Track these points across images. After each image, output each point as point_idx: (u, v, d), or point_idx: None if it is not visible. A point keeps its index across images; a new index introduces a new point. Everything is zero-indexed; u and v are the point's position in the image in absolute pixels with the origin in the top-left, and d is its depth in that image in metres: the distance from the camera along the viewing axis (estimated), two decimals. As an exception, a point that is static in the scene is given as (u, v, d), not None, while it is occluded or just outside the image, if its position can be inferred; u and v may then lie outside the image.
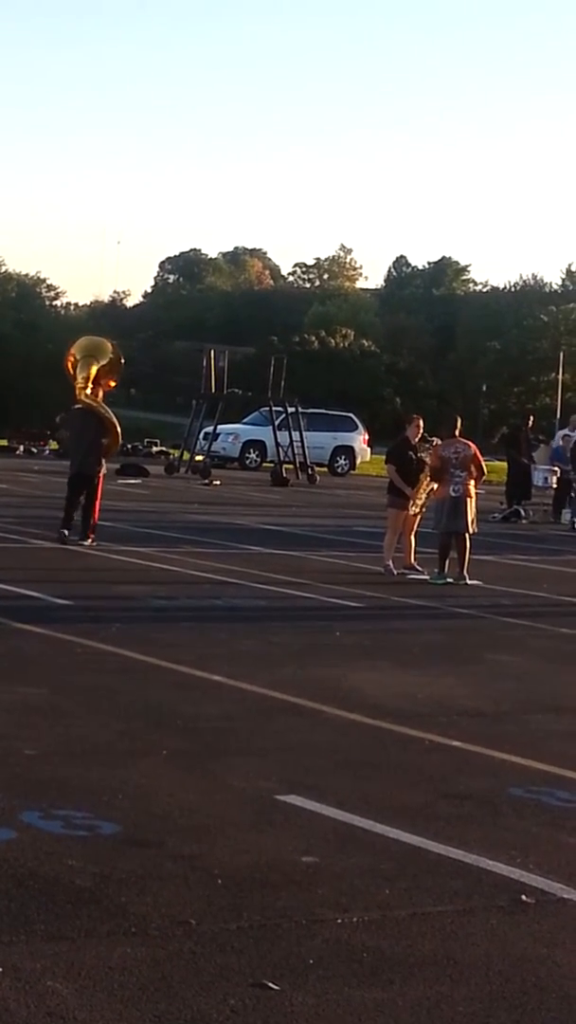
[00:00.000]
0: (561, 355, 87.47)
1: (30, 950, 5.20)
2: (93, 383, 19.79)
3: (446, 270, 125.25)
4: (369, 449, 50.38)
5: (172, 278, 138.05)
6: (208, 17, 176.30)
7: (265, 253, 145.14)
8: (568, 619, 15.28)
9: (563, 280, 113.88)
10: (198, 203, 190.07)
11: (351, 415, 51.68)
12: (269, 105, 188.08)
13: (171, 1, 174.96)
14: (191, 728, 8.92)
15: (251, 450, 48.00)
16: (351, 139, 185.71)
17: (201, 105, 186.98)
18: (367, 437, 50.44)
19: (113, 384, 20.55)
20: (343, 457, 49.47)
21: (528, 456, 31.11)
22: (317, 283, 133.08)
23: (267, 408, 45.35)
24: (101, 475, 19.73)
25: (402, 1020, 4.86)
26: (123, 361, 20.91)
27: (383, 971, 5.23)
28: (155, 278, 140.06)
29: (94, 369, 19.85)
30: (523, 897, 6.16)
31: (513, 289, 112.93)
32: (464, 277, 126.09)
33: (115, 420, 19.97)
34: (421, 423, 18.73)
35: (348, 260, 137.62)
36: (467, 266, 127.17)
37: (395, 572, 18.03)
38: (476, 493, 18.20)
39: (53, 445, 50.42)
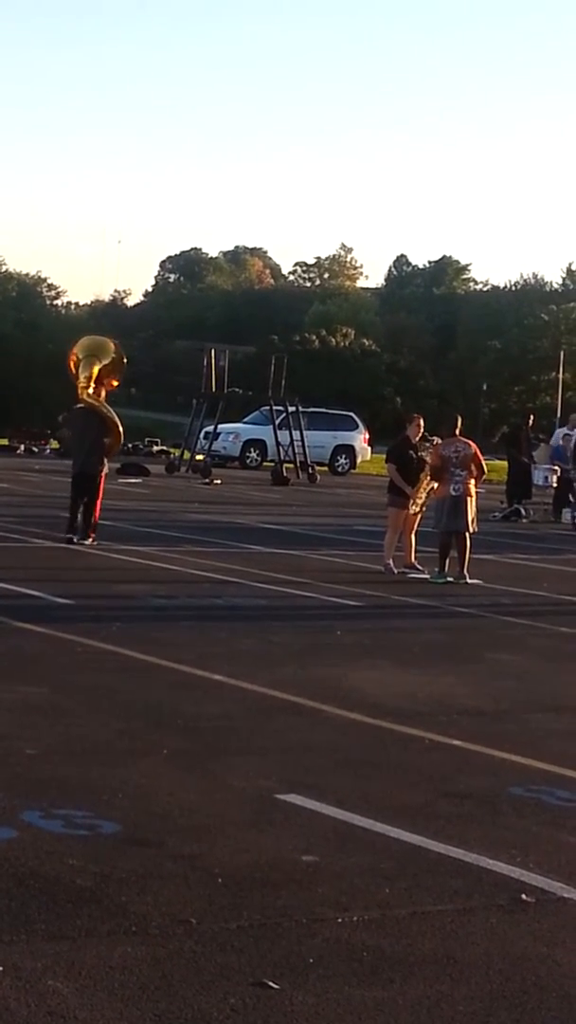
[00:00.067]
0: (562, 354, 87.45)
1: (31, 949, 5.20)
2: (95, 382, 19.80)
3: (447, 269, 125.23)
4: (369, 448, 50.39)
5: (173, 277, 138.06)
6: (208, 17, 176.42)
7: (266, 252, 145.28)
8: (568, 618, 15.28)
9: (563, 279, 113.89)
10: (199, 202, 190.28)
11: (351, 414, 51.70)
12: (269, 105, 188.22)
13: (171, 1, 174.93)
14: (191, 727, 8.93)
15: (252, 449, 48.02)
16: (351, 138, 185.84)
17: (201, 105, 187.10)
18: (367, 436, 50.47)
19: (115, 383, 20.56)
20: (343, 456, 49.50)
21: (528, 455, 31.12)
22: (317, 282, 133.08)
23: (268, 407, 45.36)
24: (103, 474, 19.75)
25: (402, 1019, 4.86)
26: (125, 361, 20.92)
27: (383, 970, 5.24)
28: (156, 277, 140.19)
29: (96, 368, 19.86)
30: (523, 896, 6.16)
31: (514, 288, 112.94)
32: (465, 276, 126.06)
33: (117, 419, 19.98)
34: (422, 422, 18.75)
35: (348, 259, 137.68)
36: (467, 265, 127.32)
37: (395, 571, 18.04)
38: (476, 492, 18.21)
39: (54, 444, 50.46)
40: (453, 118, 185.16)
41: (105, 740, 8.46)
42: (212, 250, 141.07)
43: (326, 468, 47.49)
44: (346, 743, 8.85)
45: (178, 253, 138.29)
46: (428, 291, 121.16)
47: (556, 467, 30.85)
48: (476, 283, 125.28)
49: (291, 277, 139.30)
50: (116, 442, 20.24)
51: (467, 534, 17.69)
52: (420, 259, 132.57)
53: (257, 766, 8.03)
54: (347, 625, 13.76)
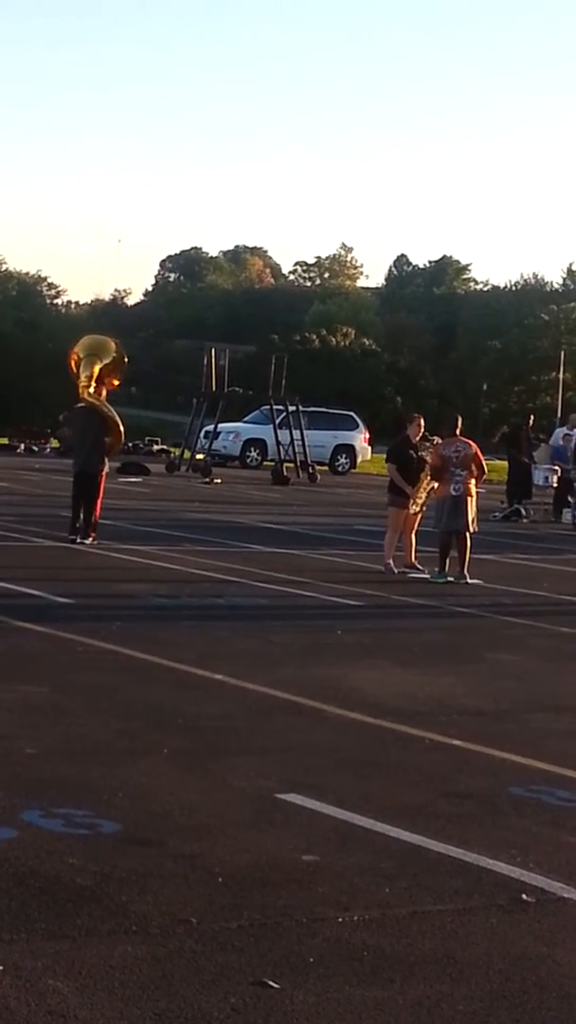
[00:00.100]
0: (562, 354, 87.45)
1: (31, 949, 5.21)
2: (96, 382, 19.81)
3: (447, 269, 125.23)
4: (370, 448, 50.40)
5: (173, 277, 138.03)
6: (208, 17, 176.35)
7: (266, 252, 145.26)
8: (568, 618, 15.28)
9: (564, 279, 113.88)
10: (199, 202, 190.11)
11: (352, 414, 51.71)
12: (270, 104, 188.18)
13: (171, 1, 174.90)
14: (192, 727, 8.93)
15: (252, 449, 48.02)
16: (352, 138, 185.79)
17: (202, 104, 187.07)
18: (368, 436, 50.48)
19: (116, 383, 20.57)
20: (344, 456, 49.51)
21: (529, 455, 31.12)
22: (318, 282, 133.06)
23: (268, 407, 45.37)
24: (104, 474, 19.75)
25: (402, 1019, 4.86)
26: (126, 360, 20.93)
27: (383, 970, 5.24)
28: (156, 277, 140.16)
29: (97, 368, 19.87)
30: (523, 896, 6.17)
31: (514, 288, 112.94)
32: (465, 276, 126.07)
33: (118, 419, 19.99)
34: (422, 422, 18.76)
35: (349, 259, 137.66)
36: (468, 265, 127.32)
37: (396, 571, 18.04)
38: (477, 492, 18.21)
39: (54, 443, 50.47)
40: (453, 118, 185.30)
41: (105, 740, 8.46)
42: (212, 249, 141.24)
43: (326, 468, 47.50)
44: (346, 743, 8.85)
45: (178, 252, 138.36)
46: (428, 291, 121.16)
47: (556, 467, 30.85)
48: (476, 283, 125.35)
49: (291, 277, 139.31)
50: (117, 441, 20.24)
51: (467, 534, 17.69)
52: (420, 259, 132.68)
53: (257, 766, 8.03)
54: (347, 625, 13.76)
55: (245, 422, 49.29)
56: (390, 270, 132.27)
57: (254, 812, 7.13)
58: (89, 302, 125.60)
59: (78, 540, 19.11)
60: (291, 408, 44.01)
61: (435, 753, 8.70)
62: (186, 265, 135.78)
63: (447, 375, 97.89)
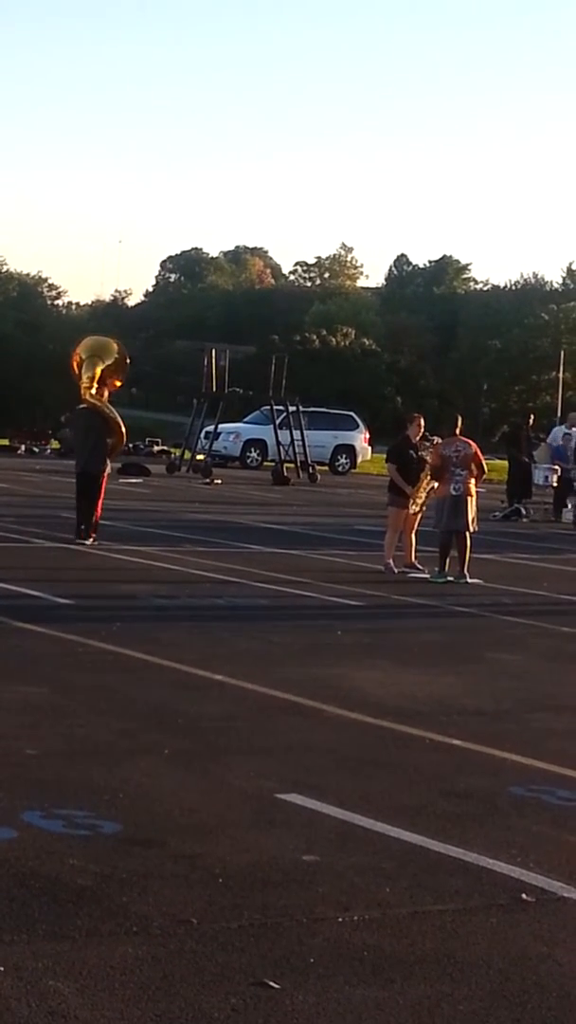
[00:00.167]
0: (562, 354, 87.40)
1: (32, 949, 5.21)
2: (98, 383, 19.82)
3: (447, 269, 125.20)
4: (370, 448, 50.39)
5: (173, 277, 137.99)
6: (209, 16, 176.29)
7: (266, 252, 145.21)
8: (569, 618, 15.28)
9: (564, 279, 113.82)
10: (199, 202, 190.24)
11: (352, 414, 51.71)
12: (270, 105, 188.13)
13: (172, 1, 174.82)
14: (192, 727, 8.94)
15: (252, 449, 48.03)
16: (352, 138, 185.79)
17: (202, 105, 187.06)
18: (368, 436, 50.48)
19: (119, 384, 20.59)
20: (344, 456, 49.51)
21: (529, 455, 31.12)
22: (318, 282, 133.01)
23: (268, 407, 45.37)
24: (105, 475, 19.77)
25: (402, 1019, 4.87)
26: (128, 361, 20.94)
27: (384, 970, 5.25)
28: (156, 277, 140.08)
29: (99, 369, 19.89)
30: (523, 896, 6.17)
31: (514, 288, 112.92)
32: (465, 276, 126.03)
33: (120, 420, 20.01)
34: (422, 422, 18.77)
35: (349, 259, 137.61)
36: (468, 265, 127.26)
37: (396, 571, 18.05)
38: (477, 492, 18.22)
39: (55, 444, 50.47)
40: (453, 118, 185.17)
41: (106, 740, 8.47)
42: (213, 250, 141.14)
43: (326, 468, 47.49)
44: (346, 743, 8.86)
45: (179, 253, 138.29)
46: (428, 291, 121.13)
47: (557, 467, 30.86)
48: (476, 283, 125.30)
49: (292, 277, 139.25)
50: (119, 442, 20.26)
51: (467, 533, 17.70)
52: (420, 259, 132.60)
53: (258, 766, 8.04)
54: (348, 625, 13.76)
55: (245, 422, 49.29)
56: (390, 270, 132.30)
57: (254, 812, 7.14)
58: (90, 303, 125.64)
59: (78, 541, 19.12)
60: (291, 408, 44.01)
61: (435, 753, 8.71)
62: (186, 266, 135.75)
63: (447, 375, 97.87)
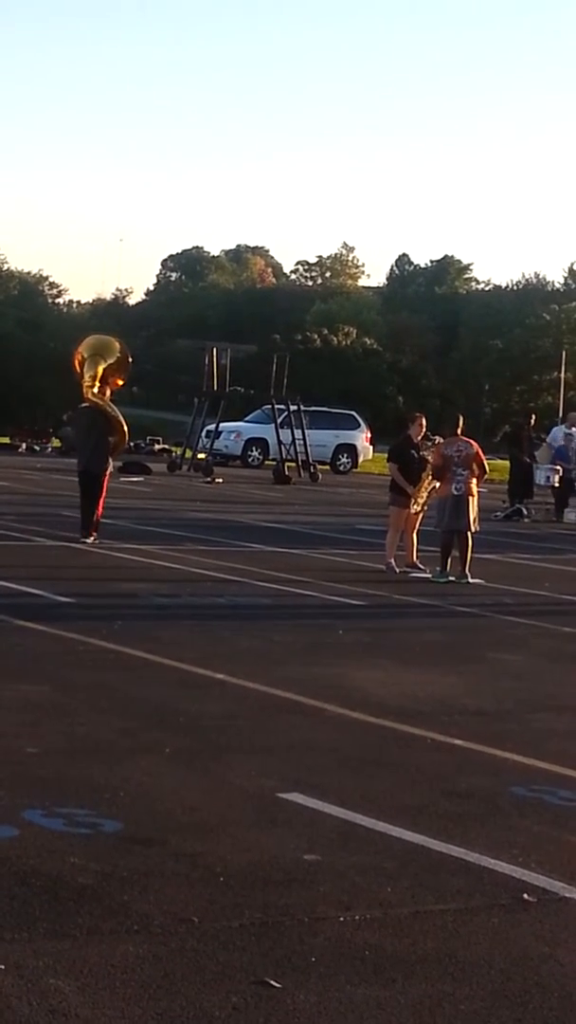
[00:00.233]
0: (563, 354, 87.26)
1: (33, 948, 5.21)
2: (100, 382, 19.83)
3: (448, 268, 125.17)
4: (371, 447, 50.39)
5: (174, 276, 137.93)
6: (209, 16, 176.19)
7: (267, 251, 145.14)
8: (570, 618, 15.28)
9: (565, 279, 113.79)
10: (200, 201, 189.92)
11: (353, 413, 51.68)
12: (271, 104, 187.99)
13: (172, 1, 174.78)
14: (193, 726, 8.93)
15: (253, 448, 48.02)
16: (353, 138, 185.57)
17: (203, 104, 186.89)
18: (369, 435, 50.47)
19: (120, 383, 20.60)
20: (345, 455, 49.51)
21: (530, 455, 31.12)
22: (319, 281, 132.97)
23: (269, 406, 45.36)
24: (107, 473, 19.77)
25: (403, 1018, 4.86)
26: (131, 360, 20.95)
27: (385, 969, 5.24)
28: (157, 276, 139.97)
29: (101, 368, 19.89)
30: (525, 896, 6.17)
31: (515, 288, 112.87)
32: (466, 276, 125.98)
33: (122, 419, 20.01)
34: (424, 421, 18.77)
35: (350, 258, 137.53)
36: (469, 264, 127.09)
37: (397, 570, 18.04)
38: (478, 492, 18.21)
39: (56, 443, 50.45)
40: (455, 117, 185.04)
41: (107, 739, 8.46)
42: (214, 249, 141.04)
43: (328, 467, 47.49)
44: (348, 742, 8.85)
45: (180, 252, 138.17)
46: (430, 290, 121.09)
47: (558, 467, 30.86)
48: (478, 282, 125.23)
49: (293, 276, 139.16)
50: (121, 441, 20.27)
51: (469, 533, 17.70)
52: (422, 258, 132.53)
53: (259, 765, 8.03)
54: (349, 624, 13.76)
55: (247, 421, 49.27)
56: (392, 269, 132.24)
57: (256, 811, 7.13)
58: (91, 301, 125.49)
59: (80, 539, 19.11)
60: (292, 407, 44.00)
61: (437, 753, 8.71)
62: (188, 264, 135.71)
63: (449, 374, 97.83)
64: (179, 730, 8.77)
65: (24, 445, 50.71)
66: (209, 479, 38.25)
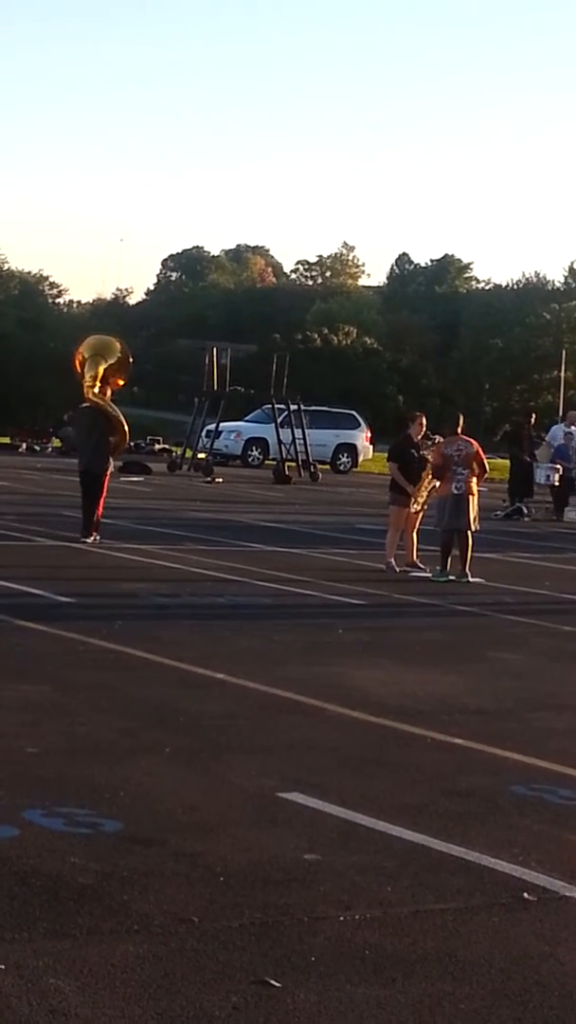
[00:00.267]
0: (563, 353, 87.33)
1: (33, 948, 5.21)
2: (101, 382, 19.83)
3: (448, 268, 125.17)
4: (371, 447, 50.39)
5: (175, 275, 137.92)
6: (209, 16, 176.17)
7: (268, 250, 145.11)
8: (570, 617, 15.27)
9: (565, 278, 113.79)
10: (200, 201, 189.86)
11: (353, 412, 51.67)
12: (271, 103, 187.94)
13: (173, 1, 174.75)
14: (193, 726, 8.93)
15: (253, 448, 48.02)
16: (353, 137, 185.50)
17: (203, 103, 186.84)
18: (369, 435, 50.46)
19: (121, 383, 20.61)
20: (345, 455, 49.50)
21: (531, 454, 31.13)
22: (320, 280, 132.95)
23: (269, 405, 45.35)
24: (108, 473, 19.78)
25: (404, 1017, 4.86)
26: (131, 360, 20.95)
27: (385, 968, 5.24)
28: (157, 275, 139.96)
29: (102, 368, 19.90)
30: (525, 895, 6.17)
31: (516, 287, 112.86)
32: (467, 275, 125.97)
33: (123, 419, 20.02)
34: (424, 421, 18.78)
35: (351, 258, 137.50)
36: (469, 264, 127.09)
37: (397, 570, 18.05)
38: (478, 491, 18.21)
39: (56, 443, 50.43)
40: (455, 117, 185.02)
41: (107, 738, 8.46)
42: (214, 248, 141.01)
43: (328, 466, 47.49)
44: (348, 741, 8.85)
45: (180, 251, 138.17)
46: (430, 290, 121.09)
47: (559, 465, 30.87)
48: (478, 282, 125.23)
49: (293, 275, 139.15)
50: (122, 441, 20.27)
51: (469, 532, 17.70)
52: (422, 257, 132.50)
53: (259, 764, 8.03)
54: (349, 623, 13.76)
55: (247, 421, 49.27)
56: (392, 269, 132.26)
57: (256, 811, 7.13)
58: (91, 301, 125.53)
59: (80, 539, 19.12)
60: (293, 407, 43.99)
61: (437, 752, 8.71)
62: (188, 264, 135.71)
63: (449, 374, 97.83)
64: (179, 730, 8.77)
65: (24, 445, 50.70)
66: (209, 479, 38.25)
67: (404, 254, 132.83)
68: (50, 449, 50.23)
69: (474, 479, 17.80)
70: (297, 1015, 4.81)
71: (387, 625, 14.18)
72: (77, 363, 20.23)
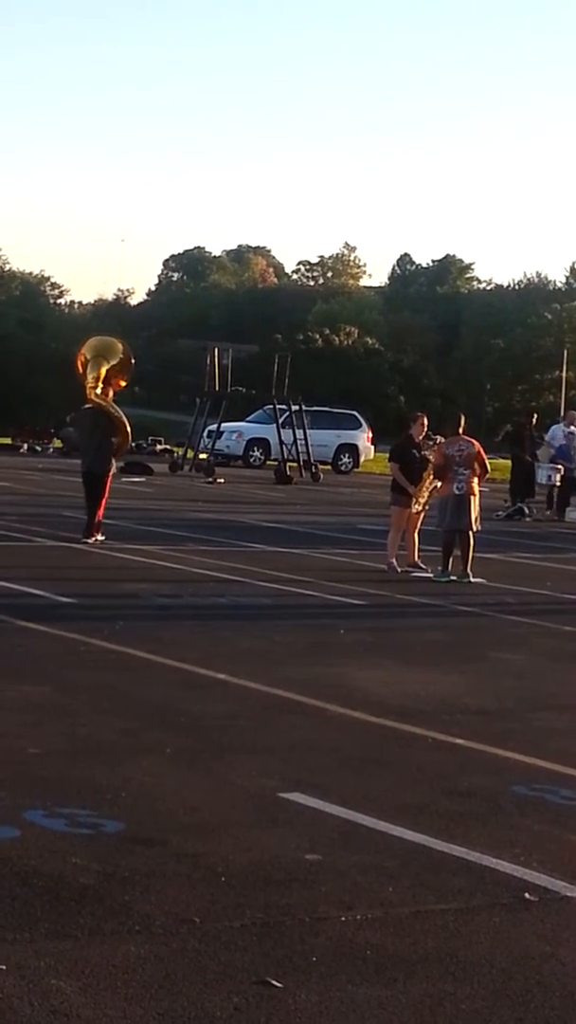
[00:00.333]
0: (565, 353, 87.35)
1: (34, 948, 5.21)
2: (103, 383, 19.84)
3: (450, 268, 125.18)
4: (373, 447, 50.38)
5: (176, 276, 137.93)
6: (209, 16, 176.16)
7: (269, 251, 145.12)
8: (572, 617, 15.27)
9: (567, 278, 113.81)
10: (202, 201, 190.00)
11: (355, 413, 51.66)
12: (272, 104, 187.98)
13: (173, 1, 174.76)
14: (195, 726, 8.93)
15: (255, 448, 48.02)
16: (354, 138, 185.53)
17: (204, 104, 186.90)
18: (371, 435, 50.47)
19: (123, 384, 20.63)
20: (347, 455, 49.50)
21: (532, 454, 31.13)
22: (321, 281, 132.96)
23: (271, 406, 45.34)
24: (111, 474, 19.79)
25: (405, 1018, 4.86)
26: (133, 361, 20.96)
27: (386, 969, 5.24)
28: (159, 276, 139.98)
29: (104, 369, 19.91)
30: (526, 895, 6.17)
31: (517, 287, 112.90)
32: (468, 275, 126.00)
33: (125, 420, 20.03)
34: (425, 421, 18.78)
35: (352, 258, 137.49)
36: (471, 264, 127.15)
37: (398, 570, 18.05)
38: (480, 491, 18.21)
39: (57, 443, 50.43)
40: (455, 117, 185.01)
41: (108, 739, 8.47)
42: (215, 249, 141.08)
43: (329, 467, 47.49)
44: (349, 742, 8.86)
45: (181, 252, 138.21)
46: (431, 290, 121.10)
47: (560, 465, 30.87)
48: (480, 282, 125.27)
49: (294, 276, 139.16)
50: (124, 442, 20.28)
51: (470, 533, 17.70)
52: (423, 258, 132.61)
53: (260, 765, 8.03)
54: (350, 624, 13.76)
55: (248, 422, 49.26)
56: (393, 269, 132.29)
57: (257, 811, 7.14)
58: (92, 302, 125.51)
59: (85, 540, 19.12)
60: (294, 407, 43.99)
61: (438, 752, 8.71)
62: (189, 264, 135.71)
63: (450, 374, 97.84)
64: (181, 730, 8.77)
65: (26, 446, 50.70)
66: (211, 479, 38.25)
67: (405, 254, 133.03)
68: (51, 450, 50.22)
69: (476, 479, 17.80)
70: (298, 1015, 4.81)
71: (388, 625, 14.18)
72: (79, 364, 20.24)
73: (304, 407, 44.79)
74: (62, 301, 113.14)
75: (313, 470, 42.73)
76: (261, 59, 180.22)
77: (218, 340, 55.50)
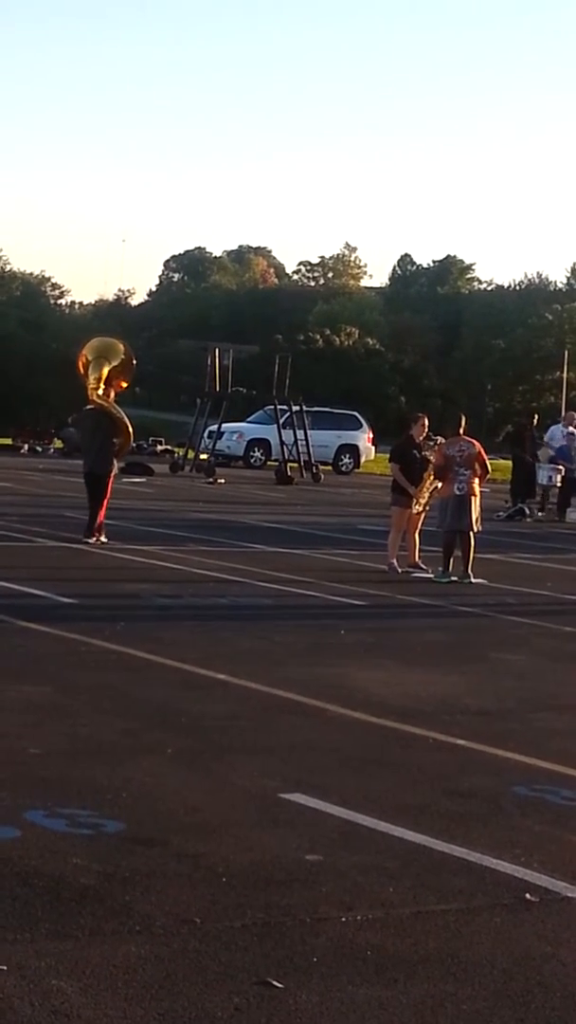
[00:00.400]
0: (566, 353, 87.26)
1: (35, 948, 5.21)
2: (105, 383, 19.84)
3: (451, 268, 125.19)
4: (373, 447, 50.38)
5: (177, 276, 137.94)
6: (209, 16, 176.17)
7: (270, 251, 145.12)
8: (572, 618, 15.27)
9: (568, 278, 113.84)
10: (202, 202, 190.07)
11: (355, 413, 51.66)
12: (273, 103, 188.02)
13: (173, 1, 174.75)
14: (195, 726, 8.93)
15: (255, 448, 48.02)
16: (355, 137, 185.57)
17: (205, 104, 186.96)
18: (371, 435, 50.47)
19: (125, 385, 20.64)
20: (347, 455, 49.49)
21: (533, 454, 31.13)
22: (322, 281, 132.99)
23: (271, 406, 45.35)
24: (112, 475, 19.80)
25: (405, 1018, 4.86)
26: (135, 362, 20.97)
27: (387, 969, 5.24)
28: (160, 276, 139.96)
29: (106, 370, 19.91)
30: (527, 895, 6.17)
31: (518, 288, 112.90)
32: (469, 275, 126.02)
33: (127, 420, 20.04)
34: (426, 421, 18.78)
35: (353, 258, 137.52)
36: (472, 264, 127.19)
37: (399, 570, 18.05)
38: (480, 491, 18.21)
39: (58, 444, 50.43)
40: (455, 117, 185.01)
41: (109, 739, 8.47)
42: (216, 249, 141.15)
43: (330, 467, 47.49)
44: (350, 742, 8.86)
45: (182, 252, 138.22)
46: (432, 290, 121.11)
47: (560, 466, 30.88)
48: (480, 282, 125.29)
49: (295, 276, 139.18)
50: (126, 442, 20.30)
51: (471, 533, 17.70)
52: (424, 258, 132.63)
53: (261, 765, 8.03)
54: (351, 624, 13.76)
55: (249, 422, 49.26)
56: (394, 270, 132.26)
57: (258, 811, 7.13)
58: (93, 302, 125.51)
59: (89, 540, 19.12)
60: (295, 408, 43.99)
61: (439, 752, 8.71)
62: (190, 265, 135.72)
63: (451, 375, 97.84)
64: (181, 731, 8.77)
65: (26, 446, 50.69)
66: (211, 480, 38.25)
67: (406, 255, 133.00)
68: (52, 450, 50.21)
69: (476, 480, 17.80)
70: (299, 1016, 4.81)
71: (389, 626, 14.18)
72: (81, 365, 20.24)
73: (305, 408, 44.80)
74: (63, 301, 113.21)
75: (314, 471, 42.74)
76: (261, 59, 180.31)
77: (219, 340, 55.53)
